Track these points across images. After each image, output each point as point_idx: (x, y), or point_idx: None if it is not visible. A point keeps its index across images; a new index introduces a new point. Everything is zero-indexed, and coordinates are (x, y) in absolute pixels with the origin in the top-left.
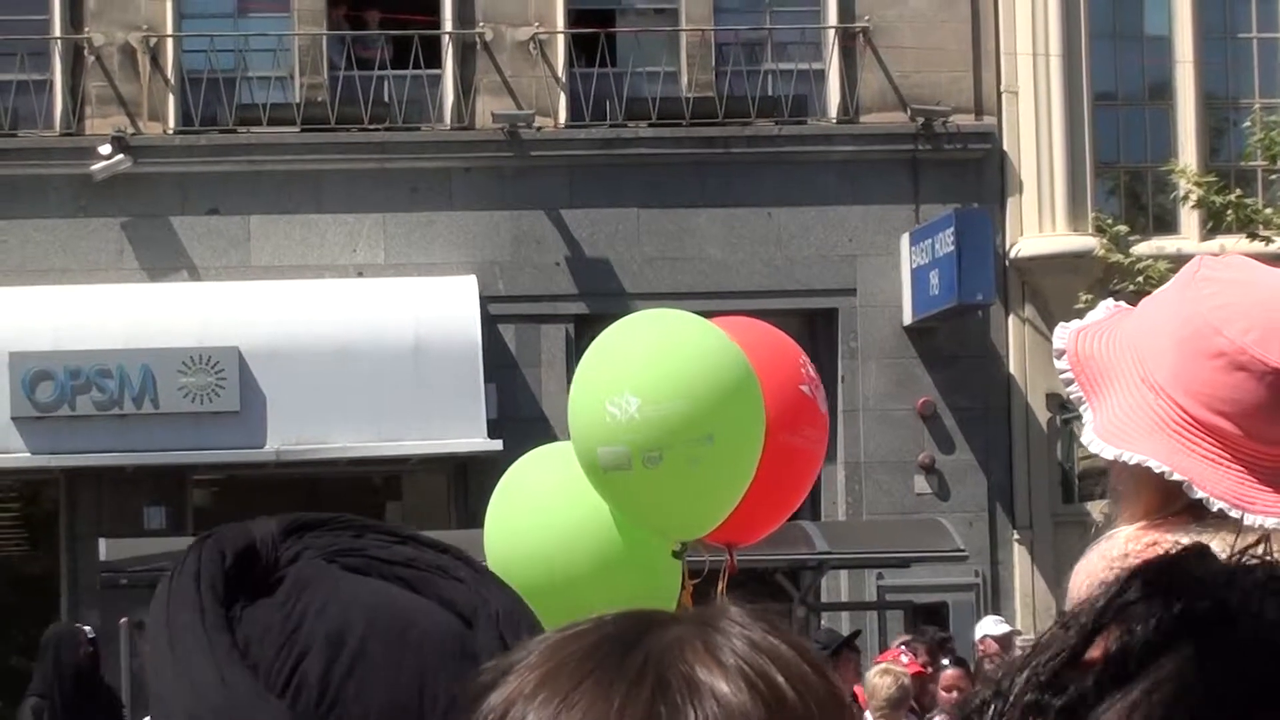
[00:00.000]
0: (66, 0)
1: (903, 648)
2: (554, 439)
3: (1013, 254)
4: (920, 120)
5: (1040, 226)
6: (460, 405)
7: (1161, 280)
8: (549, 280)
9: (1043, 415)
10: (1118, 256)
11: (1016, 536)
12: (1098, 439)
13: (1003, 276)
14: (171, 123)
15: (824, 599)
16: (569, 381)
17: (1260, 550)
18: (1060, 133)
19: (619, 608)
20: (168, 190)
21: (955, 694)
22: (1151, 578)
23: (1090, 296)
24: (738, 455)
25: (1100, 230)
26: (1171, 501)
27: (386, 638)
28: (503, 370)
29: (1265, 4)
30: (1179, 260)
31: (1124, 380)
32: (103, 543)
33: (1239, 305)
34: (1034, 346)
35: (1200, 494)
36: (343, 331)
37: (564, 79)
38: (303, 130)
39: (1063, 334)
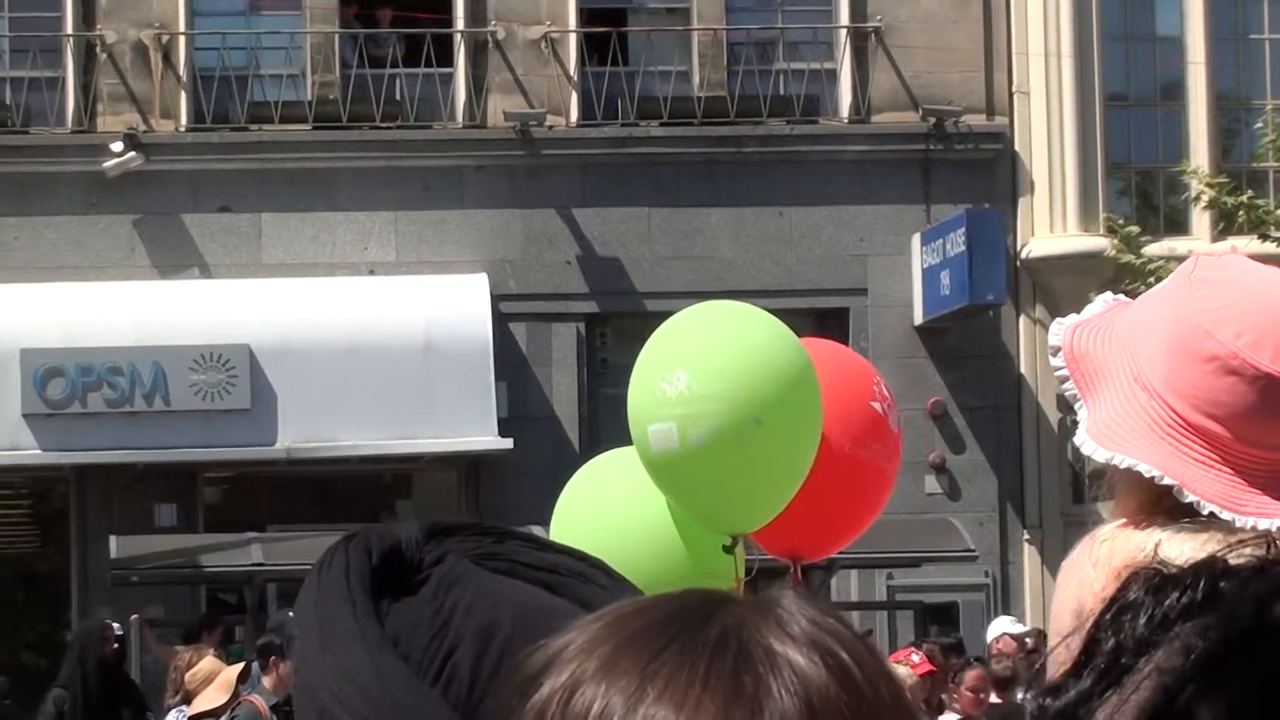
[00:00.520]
0: None
1: (913, 647)
2: (565, 438)
3: (1024, 254)
4: (932, 120)
5: (1051, 227)
6: (471, 404)
7: None
8: (560, 279)
9: (1053, 415)
10: (1129, 257)
11: (1027, 536)
12: (1090, 440)
13: (1014, 277)
14: (183, 120)
15: (834, 598)
16: (580, 380)
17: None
18: (1072, 133)
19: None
20: (179, 188)
21: (980, 695)
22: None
23: None
24: (788, 445)
25: (1111, 231)
26: (1162, 501)
27: (532, 635)
28: (514, 369)
29: (1277, 5)
30: None
31: (1118, 379)
32: (113, 540)
33: (1232, 308)
34: (1045, 347)
35: (1191, 498)
36: (354, 329)
37: (576, 78)
38: (314, 128)
39: (1058, 330)
